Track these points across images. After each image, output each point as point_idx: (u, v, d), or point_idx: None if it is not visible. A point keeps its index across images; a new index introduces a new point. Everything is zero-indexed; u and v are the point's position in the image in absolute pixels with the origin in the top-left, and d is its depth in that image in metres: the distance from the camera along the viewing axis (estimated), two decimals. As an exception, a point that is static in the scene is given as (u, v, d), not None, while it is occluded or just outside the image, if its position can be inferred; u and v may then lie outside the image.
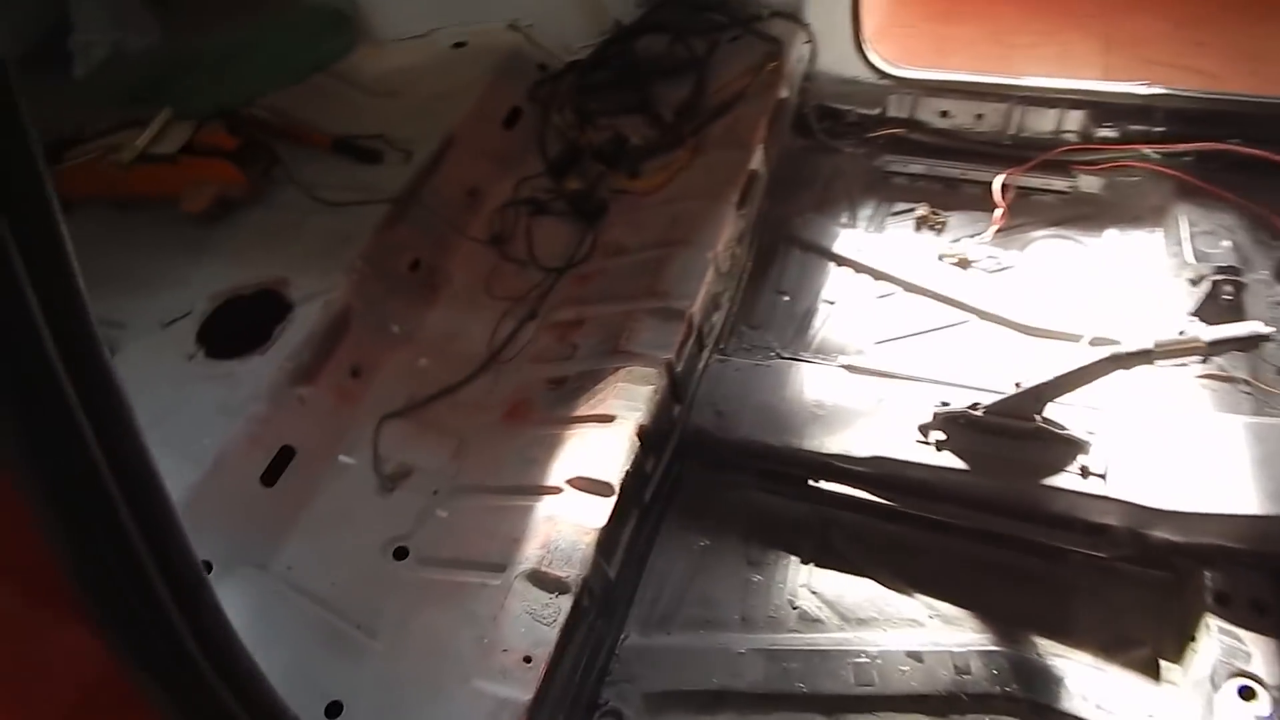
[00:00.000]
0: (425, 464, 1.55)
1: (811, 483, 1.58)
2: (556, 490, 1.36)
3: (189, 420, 1.49)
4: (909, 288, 1.91)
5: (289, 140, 1.98)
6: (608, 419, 1.43)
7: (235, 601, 1.33)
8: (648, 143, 1.98)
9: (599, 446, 1.40)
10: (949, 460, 1.48)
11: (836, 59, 2.17)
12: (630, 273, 1.71)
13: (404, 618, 1.34)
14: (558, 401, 1.52)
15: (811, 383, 1.64)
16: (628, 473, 1.37)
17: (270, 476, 1.47)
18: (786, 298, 1.96)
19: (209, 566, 1.36)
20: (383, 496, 1.51)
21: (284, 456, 1.50)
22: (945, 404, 1.51)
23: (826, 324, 1.89)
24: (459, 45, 2.23)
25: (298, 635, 1.32)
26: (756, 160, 1.88)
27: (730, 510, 1.62)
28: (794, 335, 1.89)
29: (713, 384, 1.70)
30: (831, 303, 1.94)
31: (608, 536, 1.32)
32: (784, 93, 2.02)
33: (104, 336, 1.50)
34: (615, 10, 2.23)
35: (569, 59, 2.21)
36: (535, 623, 1.21)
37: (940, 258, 1.97)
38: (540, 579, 1.25)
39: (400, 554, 1.44)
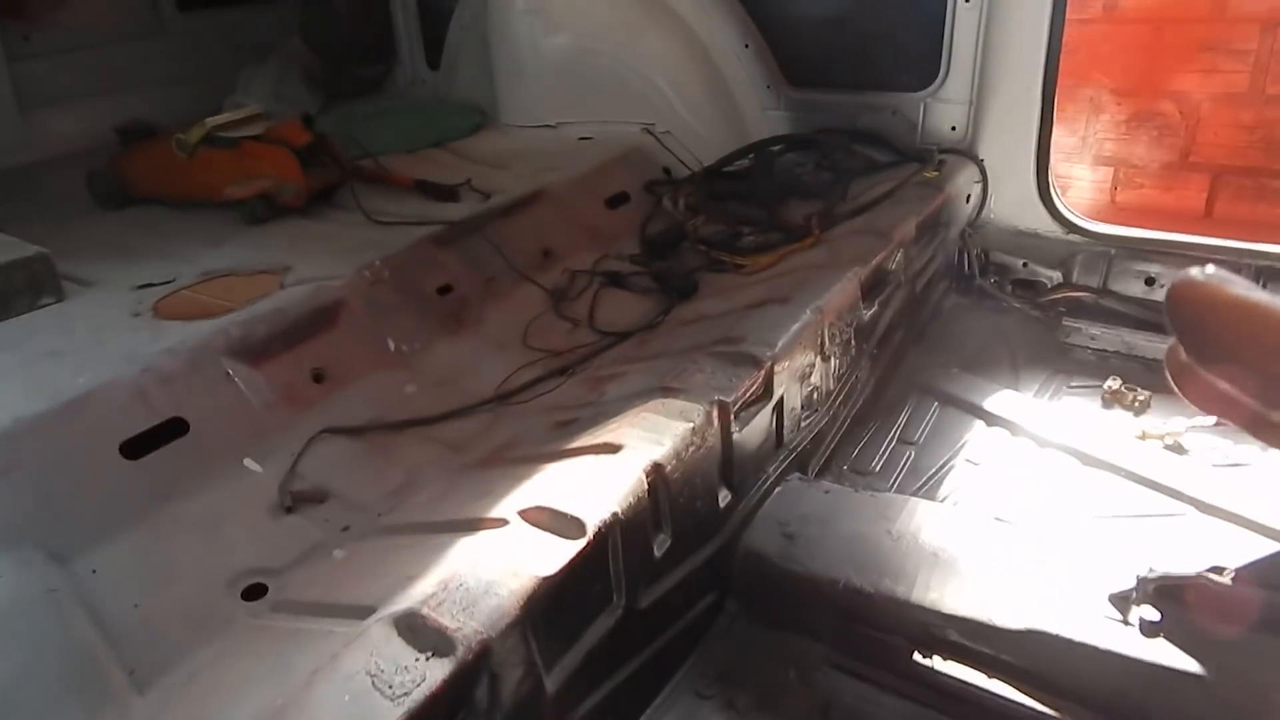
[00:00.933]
0: (350, 493, 1.07)
1: (919, 658, 0.97)
2: (500, 523, 0.85)
3: (82, 361, 1.12)
4: (1092, 462, 1.35)
5: (371, 179, 1.79)
6: (612, 448, 0.93)
7: (-13, 587, 0.87)
8: (768, 239, 1.63)
9: (585, 477, 0.89)
10: (1165, 655, 0.85)
11: (1013, 204, 1.81)
12: (704, 330, 1.28)
13: (198, 670, 0.81)
14: (557, 438, 1.04)
15: (936, 523, 1.08)
16: (617, 520, 0.84)
17: (136, 448, 1.05)
18: (912, 448, 1.44)
19: (-20, 525, 0.91)
20: (274, 518, 1.04)
21: (168, 431, 1.08)
22: (1157, 572, 0.91)
23: (966, 484, 1.34)
24: (585, 139, 2.05)
25: (34, 660, 0.81)
26: (895, 260, 1.47)
27: (783, 688, 1.02)
28: (918, 491, 1.34)
29: (786, 501, 1.16)
30: (975, 464, 1.39)
31: (556, 601, 0.77)
32: (943, 215, 1.65)
33: (54, 286, 1.20)
34: (760, 132, 2.01)
35: (700, 170, 1.97)
36: (372, 690, 0.66)
37: (1142, 437, 1.41)
38: (411, 626, 0.71)
39: (253, 592, 0.93)
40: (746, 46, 2.03)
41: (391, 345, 1.34)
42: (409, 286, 1.41)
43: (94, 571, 0.94)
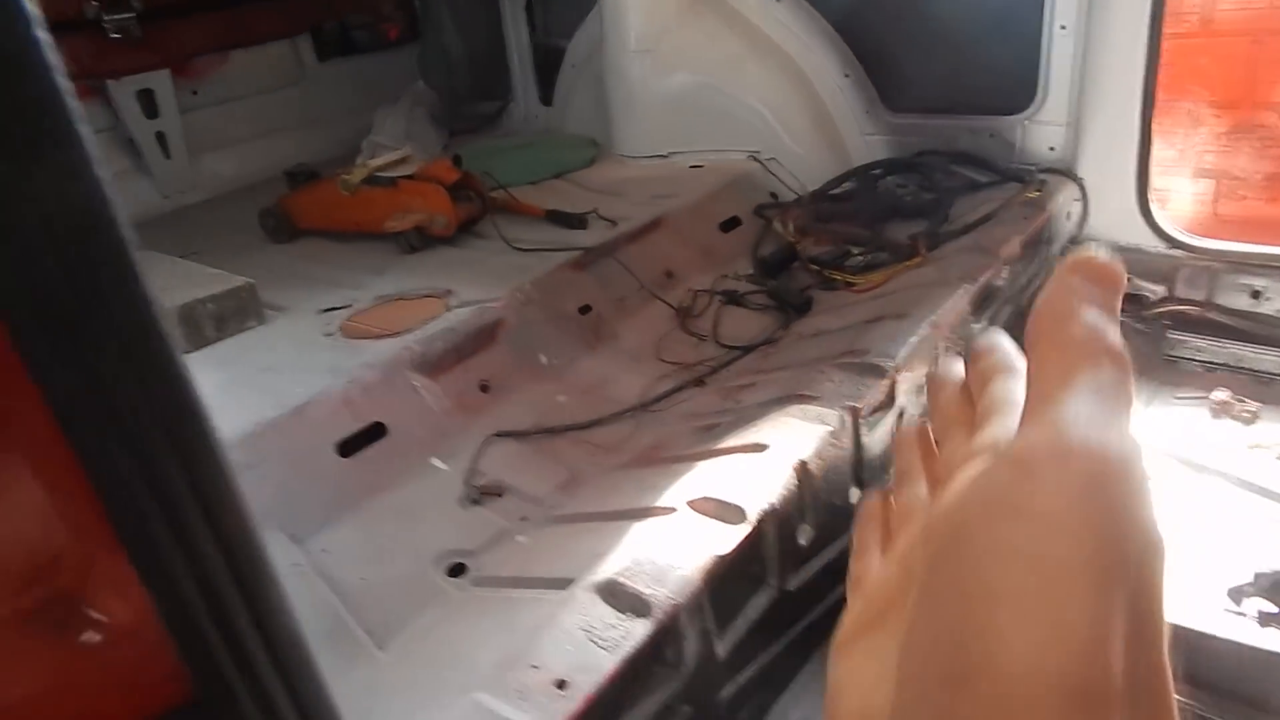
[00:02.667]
0: (524, 488, 1.24)
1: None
2: (669, 511, 1.00)
3: (295, 375, 1.32)
4: (1202, 470, 1.42)
5: (506, 210, 1.98)
6: (759, 448, 1.07)
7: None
8: (875, 259, 1.74)
9: (739, 472, 1.03)
10: (1282, 639, 0.93)
11: (1113, 221, 1.87)
12: (825, 343, 1.41)
13: (428, 631, 0.98)
14: (702, 440, 1.19)
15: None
16: (774, 510, 0.98)
17: (349, 447, 1.24)
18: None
19: (237, 510, 1.10)
20: (463, 509, 1.21)
21: (372, 433, 1.26)
22: (1273, 568, 0.99)
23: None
24: (695, 167, 2.21)
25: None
26: (1001, 276, 1.57)
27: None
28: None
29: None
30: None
31: (724, 579, 0.91)
32: (1045, 233, 1.74)
33: (258, 310, 1.42)
34: (861, 156, 2.13)
35: (804, 194, 2.10)
36: (588, 642, 0.81)
37: (1254, 447, 1.47)
38: (612, 592, 0.86)
39: (456, 570, 1.10)
40: (846, 76, 2.15)
41: (543, 359, 1.50)
42: (553, 306, 1.58)
43: (324, 550, 1.13)
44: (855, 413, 1.14)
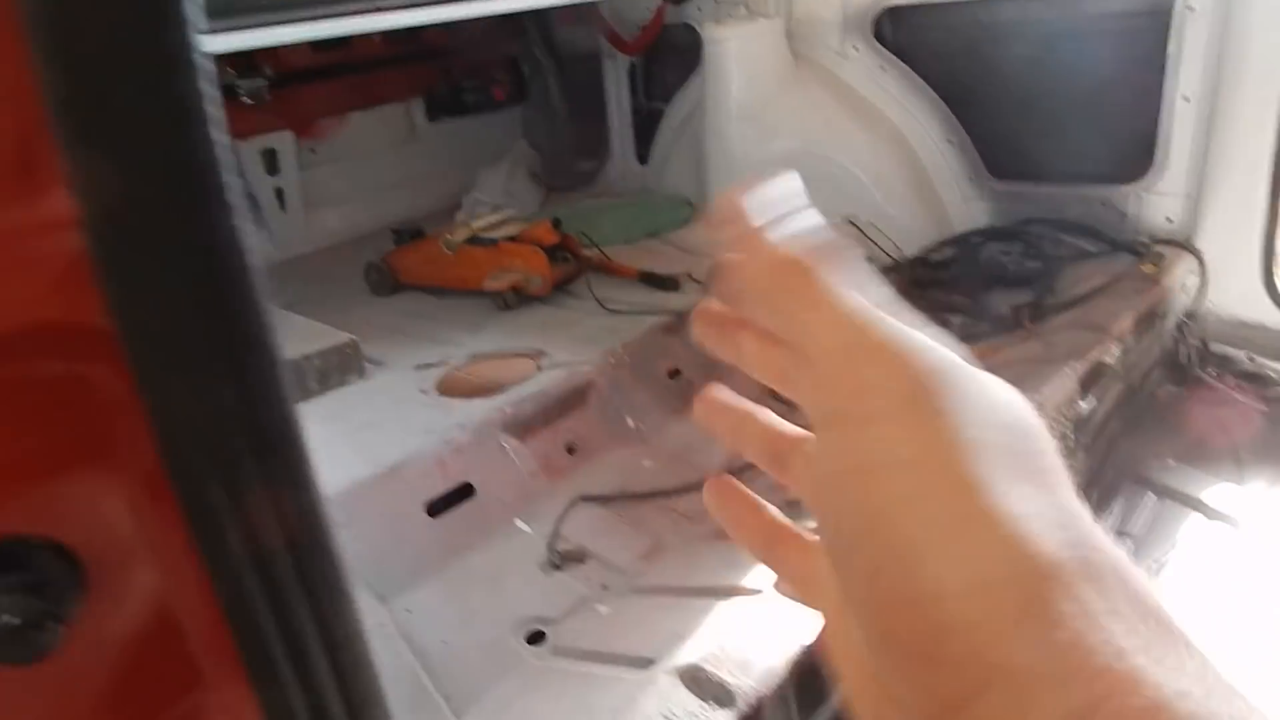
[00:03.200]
0: (607, 555, 1.23)
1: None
2: (754, 592, 0.97)
3: (391, 433, 1.36)
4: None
5: (600, 270, 2.01)
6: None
7: (335, 617, 1.08)
8: (974, 329, 1.69)
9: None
10: None
11: (1235, 296, 1.77)
12: (922, 419, 1.36)
13: (505, 702, 0.97)
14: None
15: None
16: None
17: (438, 508, 1.26)
18: (1129, 542, 1.44)
19: (329, 565, 1.13)
20: (545, 574, 1.21)
21: (461, 494, 1.28)
22: None
23: (1189, 579, 1.33)
24: (789, 231, 2.19)
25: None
26: (1111, 353, 1.50)
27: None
28: (1143, 589, 1.34)
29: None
30: (1197, 559, 1.37)
31: (811, 669, 0.87)
32: (1160, 308, 1.65)
33: (359, 365, 1.47)
34: (963, 222, 2.08)
35: (902, 259, 2.06)
36: (667, 731, 0.79)
37: (1400, 547, 1.34)
38: (695, 679, 0.84)
39: (535, 638, 1.09)
40: (950, 142, 2.12)
41: (630, 423, 1.50)
42: (644, 370, 1.59)
43: (408, 611, 1.14)
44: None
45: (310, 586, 0.40)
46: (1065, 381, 1.34)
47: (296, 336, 1.60)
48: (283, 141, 2.50)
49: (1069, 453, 1.39)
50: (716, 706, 0.81)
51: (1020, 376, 1.38)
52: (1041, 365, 1.40)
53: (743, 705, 0.80)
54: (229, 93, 2.35)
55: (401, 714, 0.99)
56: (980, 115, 2.09)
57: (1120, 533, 1.42)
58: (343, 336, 1.59)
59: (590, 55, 2.80)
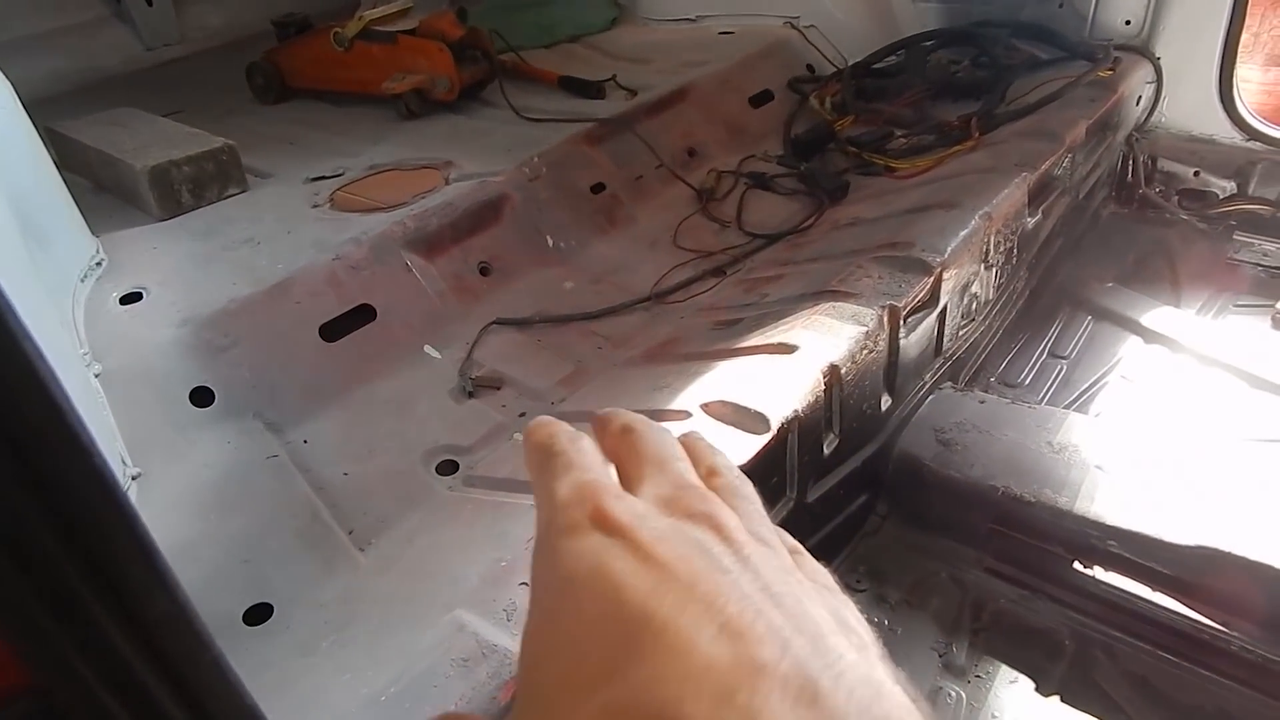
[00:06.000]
0: (524, 381, 1.14)
1: (1079, 565, 0.98)
2: (682, 415, 0.89)
3: (277, 248, 1.20)
4: (1260, 385, 1.30)
5: (515, 75, 1.80)
6: (787, 348, 0.95)
7: (220, 452, 0.97)
8: (920, 141, 1.57)
9: (763, 374, 0.92)
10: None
11: (1189, 109, 1.68)
12: (863, 233, 1.27)
13: (412, 533, 0.90)
14: (722, 337, 1.07)
15: (1099, 437, 1.07)
16: (797, 417, 0.88)
17: (334, 331, 1.13)
18: (1063, 363, 1.42)
19: (211, 395, 1.01)
20: (456, 402, 1.11)
21: (360, 316, 1.16)
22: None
23: (1120, 401, 1.31)
24: (726, 33, 2.00)
25: (269, 516, 0.91)
26: (1063, 165, 1.41)
27: (933, 587, 1.06)
28: (1070, 406, 1.33)
29: (941, 408, 1.17)
30: (1130, 381, 1.36)
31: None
32: (1113, 119, 1.56)
33: (239, 176, 1.26)
34: (911, 25, 1.92)
35: (845, 67, 1.90)
36: (582, 562, 0.72)
37: (1318, 363, 1.34)
38: (614, 506, 0.77)
39: (446, 468, 1.01)
40: (900, -69, 1.91)
41: (550, 242, 1.38)
42: (564, 184, 1.44)
43: (305, 442, 1.04)
44: (895, 312, 1.02)
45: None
46: (1013, 192, 1.25)
47: (165, 142, 1.40)
48: (138, -84, 2.13)
49: (1012, 271, 1.32)
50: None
51: (966, 187, 1.29)
52: (988, 174, 1.30)
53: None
54: None
55: (299, 550, 0.91)
56: (935, -100, 1.88)
57: (1056, 355, 1.40)
58: (217, 142, 1.38)
59: None
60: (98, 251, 1.19)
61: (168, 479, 0.94)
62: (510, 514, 0.84)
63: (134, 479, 0.93)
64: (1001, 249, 1.26)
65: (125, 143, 1.40)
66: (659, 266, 1.37)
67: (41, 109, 1.55)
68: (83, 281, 1.12)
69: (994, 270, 1.26)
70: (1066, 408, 1.31)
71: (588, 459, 0.32)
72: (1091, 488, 0.98)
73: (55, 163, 1.40)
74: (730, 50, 1.88)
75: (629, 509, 0.29)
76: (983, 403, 1.18)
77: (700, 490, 0.32)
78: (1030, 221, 1.33)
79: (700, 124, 1.67)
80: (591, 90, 1.70)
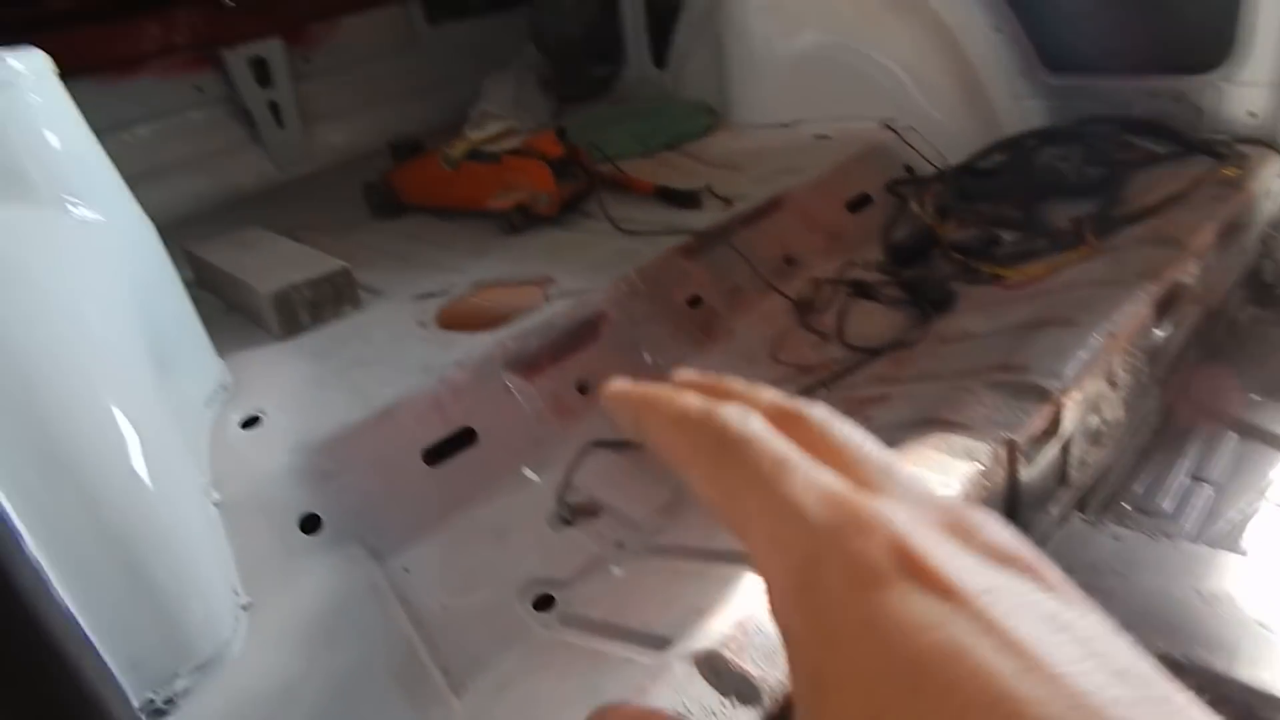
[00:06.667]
0: (622, 508, 1.12)
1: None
2: (785, 561, 0.86)
3: (385, 371, 1.25)
4: None
5: (614, 186, 1.85)
6: (894, 488, 0.91)
7: (326, 580, 0.99)
8: (1029, 246, 1.52)
9: (870, 517, 0.88)
10: None
11: (1329, 203, 1.57)
12: (973, 352, 1.22)
13: (508, 680, 0.88)
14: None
15: (1258, 586, 0.97)
16: (908, 567, 0.83)
17: (436, 455, 1.15)
18: (1209, 487, 1.30)
19: (319, 521, 1.04)
20: (554, 529, 1.10)
21: (462, 440, 1.17)
22: None
23: (1278, 534, 1.19)
24: (822, 137, 2.00)
25: (369, 653, 0.92)
26: (1190, 271, 1.33)
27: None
28: (1220, 538, 1.21)
29: (1071, 546, 1.09)
30: (1286, 507, 1.24)
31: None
32: (1243, 218, 1.47)
33: (354, 295, 1.34)
34: (1014, 123, 1.88)
35: (946, 168, 1.87)
36: (683, 730, 0.69)
37: None
38: (715, 668, 0.73)
39: (543, 603, 1.00)
40: (998, 30, 1.89)
41: (647, 358, 1.38)
42: (660, 298, 1.45)
43: (406, 570, 1.05)
44: (1012, 447, 0.96)
45: None
46: (1137, 306, 1.18)
47: (287, 265, 1.48)
48: (273, 50, 2.33)
49: (1141, 389, 1.24)
50: (738, 703, 0.70)
51: (1083, 300, 1.23)
52: (1108, 287, 1.24)
53: (768, 702, 0.70)
54: (210, -4, 2.18)
55: (394, 689, 0.90)
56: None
57: (1198, 478, 1.29)
58: (335, 264, 1.46)
59: (602, -56, 2.56)
60: (224, 375, 1.26)
61: (276, 609, 0.96)
62: (606, 667, 0.82)
63: (244, 609, 0.96)
64: (1128, 367, 1.18)
65: (252, 265, 1.50)
66: (757, 382, 1.34)
67: (185, 227, 1.69)
68: (209, 406, 1.18)
69: (1120, 389, 1.18)
70: (1216, 540, 1.20)
71: (797, 452, 0.24)
72: (1255, 650, 0.88)
73: (193, 282, 1.51)
74: (826, 155, 1.88)
75: (949, 556, 0.22)
76: (1118, 539, 1.09)
77: (979, 514, 0.24)
78: (1159, 335, 1.25)
79: (797, 231, 1.67)
80: (687, 200, 1.72)
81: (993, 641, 0.20)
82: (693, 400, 0.27)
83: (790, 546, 0.23)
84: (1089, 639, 0.21)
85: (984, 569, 0.22)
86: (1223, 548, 1.11)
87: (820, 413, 0.27)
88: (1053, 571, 0.23)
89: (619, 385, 0.30)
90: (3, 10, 1.76)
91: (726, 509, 0.25)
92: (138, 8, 2.08)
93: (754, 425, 0.26)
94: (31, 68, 1.00)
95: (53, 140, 1.01)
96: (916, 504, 0.24)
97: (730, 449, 0.25)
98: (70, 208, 1.00)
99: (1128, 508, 1.27)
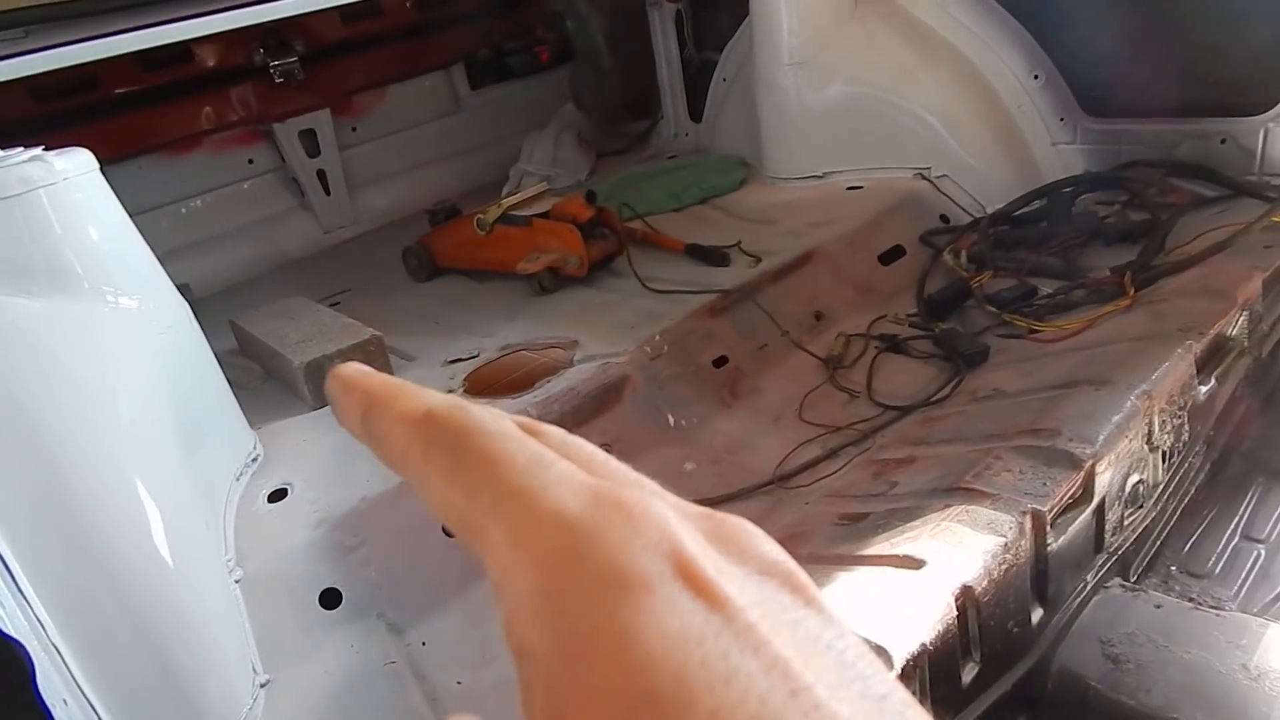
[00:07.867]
0: (641, 578, 1.10)
1: (1299, 837, 0.81)
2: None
3: (410, 441, 1.26)
4: None
5: (644, 243, 1.86)
6: (914, 563, 0.87)
7: (343, 657, 0.99)
8: (1067, 297, 1.47)
9: (885, 595, 0.85)
10: None
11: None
12: (1002, 412, 1.18)
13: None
14: (846, 537, 1.00)
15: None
16: (925, 651, 0.79)
17: (457, 526, 1.16)
18: (1260, 548, 1.23)
19: (339, 596, 1.05)
20: (572, 600, 1.09)
21: (482, 509, 1.18)
22: None
23: (1344, 598, 1.11)
24: (854, 188, 1.99)
25: (381, 728, 0.92)
26: (1237, 325, 1.27)
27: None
28: (1271, 603, 1.14)
29: (1108, 615, 1.03)
30: (1352, 572, 1.16)
31: None
32: (1296, 263, 1.40)
33: (385, 363, 1.36)
34: (1053, 170, 1.84)
35: (982, 217, 1.84)
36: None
37: None
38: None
39: (558, 679, 0.98)
40: (1036, 77, 1.87)
41: (671, 420, 1.37)
42: (686, 359, 1.44)
43: (424, 644, 1.05)
44: (1039, 518, 0.92)
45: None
46: (1177, 364, 1.13)
47: (322, 335, 1.52)
48: (321, 121, 2.42)
49: (1184, 446, 1.18)
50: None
51: (1121, 357, 1.18)
52: (1147, 342, 1.19)
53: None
54: (263, 74, 2.28)
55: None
56: (1071, 40, 1.82)
57: (1250, 538, 1.22)
58: (366, 333, 1.49)
59: (637, 4, 2.61)
60: (255, 447, 1.29)
61: (293, 687, 0.97)
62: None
63: (262, 687, 0.97)
64: (1169, 428, 1.13)
65: (289, 335, 1.54)
66: (783, 443, 1.32)
67: (235, 292, 1.75)
68: (238, 480, 1.21)
69: (1160, 450, 1.13)
70: (1268, 605, 1.13)
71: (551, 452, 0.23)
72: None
73: (238, 351, 1.56)
74: (858, 207, 1.87)
75: (719, 563, 0.21)
76: (1159, 607, 1.03)
77: (742, 523, 0.24)
78: (1203, 391, 1.19)
79: (827, 286, 1.65)
80: (716, 258, 1.72)
81: (761, 662, 0.19)
82: (436, 395, 0.25)
83: (538, 544, 0.21)
84: (852, 661, 0.20)
85: (750, 580, 0.21)
86: (1272, 617, 1.04)
87: (560, 432, 0.26)
88: (813, 587, 0.22)
89: (351, 369, 0.28)
90: (65, 99, 1.87)
91: (463, 509, 0.23)
92: (194, 90, 2.19)
93: (506, 423, 0.24)
94: (76, 166, 1.05)
95: (94, 234, 1.06)
96: (678, 508, 0.23)
97: (475, 443, 0.23)
98: (109, 298, 1.04)
99: (1173, 569, 1.21)
